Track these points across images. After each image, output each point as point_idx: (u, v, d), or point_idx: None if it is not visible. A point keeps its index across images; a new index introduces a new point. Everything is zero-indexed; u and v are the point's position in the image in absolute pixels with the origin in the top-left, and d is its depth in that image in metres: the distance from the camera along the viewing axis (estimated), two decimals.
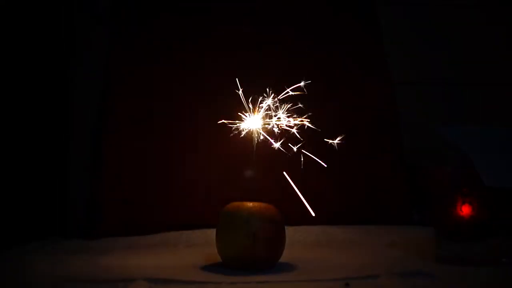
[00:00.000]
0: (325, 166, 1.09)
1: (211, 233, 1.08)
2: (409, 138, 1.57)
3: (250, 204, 1.06)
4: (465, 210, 1.07)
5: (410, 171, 1.51)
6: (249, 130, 1.10)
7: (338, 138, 1.12)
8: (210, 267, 1.06)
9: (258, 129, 1.09)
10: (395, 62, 1.61)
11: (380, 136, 1.50)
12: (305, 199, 1.42)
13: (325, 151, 1.45)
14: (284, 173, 1.10)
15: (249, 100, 1.10)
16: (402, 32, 1.67)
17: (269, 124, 1.10)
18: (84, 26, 1.53)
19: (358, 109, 1.50)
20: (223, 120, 1.11)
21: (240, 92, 1.08)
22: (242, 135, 1.10)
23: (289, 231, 1.29)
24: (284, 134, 1.10)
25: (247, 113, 1.10)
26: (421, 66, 1.68)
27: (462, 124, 1.60)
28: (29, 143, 1.43)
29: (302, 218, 1.37)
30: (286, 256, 1.08)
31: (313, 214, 1.07)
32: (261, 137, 1.10)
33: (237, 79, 1.09)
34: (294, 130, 1.10)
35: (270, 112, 1.10)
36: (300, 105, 1.09)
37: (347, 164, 1.46)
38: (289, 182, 1.11)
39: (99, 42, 1.51)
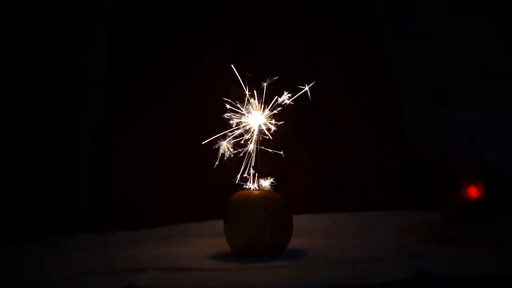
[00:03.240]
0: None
1: (219, 224, 1.10)
2: (415, 121, 1.58)
3: (257, 192, 1.08)
4: (470, 192, 1.08)
5: (416, 156, 1.52)
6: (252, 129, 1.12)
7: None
8: (219, 256, 1.07)
9: (260, 125, 1.11)
10: (398, 48, 1.62)
11: (385, 121, 1.51)
12: (314, 187, 1.44)
13: (334, 141, 1.48)
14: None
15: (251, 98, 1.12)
16: (404, 17, 1.68)
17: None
18: (87, 25, 1.55)
19: (361, 97, 1.51)
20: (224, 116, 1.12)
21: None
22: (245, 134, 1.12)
23: (297, 219, 1.30)
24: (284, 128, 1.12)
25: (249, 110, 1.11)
26: (426, 53, 1.69)
27: (468, 108, 1.60)
28: (34, 139, 1.44)
29: (310, 207, 1.40)
30: (294, 243, 1.09)
31: None
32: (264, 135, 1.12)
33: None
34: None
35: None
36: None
37: (354, 152, 1.47)
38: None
39: (102, 41, 1.53)
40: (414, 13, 1.69)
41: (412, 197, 1.48)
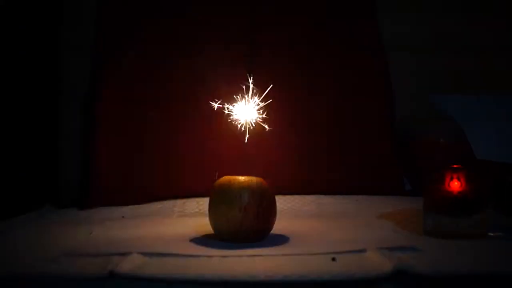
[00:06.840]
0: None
1: (204, 202, 1.10)
2: (403, 108, 1.57)
3: (241, 178, 1.08)
4: (453, 186, 1.08)
5: (403, 141, 1.52)
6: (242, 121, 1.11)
7: None
8: (203, 240, 1.08)
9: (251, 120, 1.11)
10: (389, 29, 1.60)
11: (373, 107, 1.50)
12: (299, 170, 1.45)
13: (317, 123, 1.48)
14: None
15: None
16: None
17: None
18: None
19: (350, 80, 1.51)
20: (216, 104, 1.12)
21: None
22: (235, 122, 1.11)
23: (283, 200, 1.31)
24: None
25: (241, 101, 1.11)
26: (418, 33, 1.67)
27: (457, 92, 1.59)
28: (19, 112, 1.44)
29: (296, 188, 1.41)
30: (278, 227, 1.10)
31: None
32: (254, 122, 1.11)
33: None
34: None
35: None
36: None
37: (340, 136, 1.47)
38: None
39: (90, 13, 1.52)
40: None
41: (399, 181, 1.48)
